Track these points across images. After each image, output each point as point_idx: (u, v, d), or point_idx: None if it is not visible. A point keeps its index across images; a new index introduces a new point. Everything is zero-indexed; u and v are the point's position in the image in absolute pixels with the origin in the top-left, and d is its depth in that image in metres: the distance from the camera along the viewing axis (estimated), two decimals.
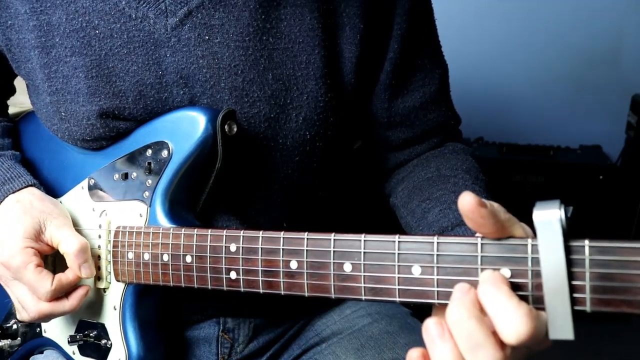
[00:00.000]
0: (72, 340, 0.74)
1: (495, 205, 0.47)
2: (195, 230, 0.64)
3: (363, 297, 0.53)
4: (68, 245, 0.70)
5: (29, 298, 0.70)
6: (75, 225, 0.76)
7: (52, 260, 0.77)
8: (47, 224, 0.72)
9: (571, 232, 0.44)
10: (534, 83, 2.49)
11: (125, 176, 0.73)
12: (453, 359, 0.45)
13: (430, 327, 0.47)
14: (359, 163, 0.90)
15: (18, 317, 0.74)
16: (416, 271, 0.50)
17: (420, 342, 0.48)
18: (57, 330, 0.80)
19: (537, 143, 2.35)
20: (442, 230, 0.69)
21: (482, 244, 0.48)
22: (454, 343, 0.45)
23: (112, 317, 0.73)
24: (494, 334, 0.44)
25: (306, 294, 0.56)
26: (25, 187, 0.75)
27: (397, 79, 0.79)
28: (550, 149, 2.29)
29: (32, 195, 0.75)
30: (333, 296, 0.54)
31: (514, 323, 0.43)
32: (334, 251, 0.54)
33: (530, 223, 0.46)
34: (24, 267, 0.68)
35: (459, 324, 0.45)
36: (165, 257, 0.66)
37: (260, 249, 0.59)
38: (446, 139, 0.86)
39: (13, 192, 0.74)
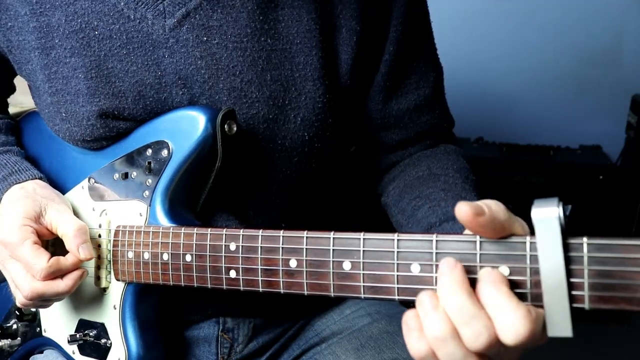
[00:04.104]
0: (72, 339, 0.74)
1: (494, 206, 0.47)
2: (195, 229, 0.64)
3: (362, 296, 0.53)
4: (66, 227, 0.70)
5: (23, 276, 0.69)
6: None
7: (53, 251, 0.77)
8: (48, 208, 0.72)
9: (570, 230, 0.44)
10: (534, 83, 2.49)
11: (125, 176, 0.73)
12: (446, 329, 0.45)
13: (424, 299, 0.47)
14: (357, 164, 0.90)
15: (15, 302, 0.73)
16: (415, 269, 0.50)
17: None
18: (57, 330, 0.80)
19: (537, 143, 2.35)
20: (430, 227, 0.69)
21: (481, 241, 0.48)
22: (447, 314, 0.46)
23: (112, 317, 0.73)
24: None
25: (305, 293, 0.56)
26: (32, 179, 0.76)
27: (392, 81, 0.80)
28: (550, 149, 2.29)
29: (36, 184, 0.75)
30: (332, 295, 0.55)
31: (513, 325, 0.43)
32: (333, 249, 0.54)
33: (530, 224, 0.46)
34: (20, 243, 0.68)
35: (451, 299, 0.45)
36: (165, 257, 0.66)
37: (259, 247, 0.59)
38: (439, 141, 0.86)
39: (19, 183, 0.75)
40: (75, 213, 0.77)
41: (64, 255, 0.70)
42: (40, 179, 0.77)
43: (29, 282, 0.68)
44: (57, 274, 0.69)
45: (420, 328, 0.47)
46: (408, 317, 0.48)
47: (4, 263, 0.71)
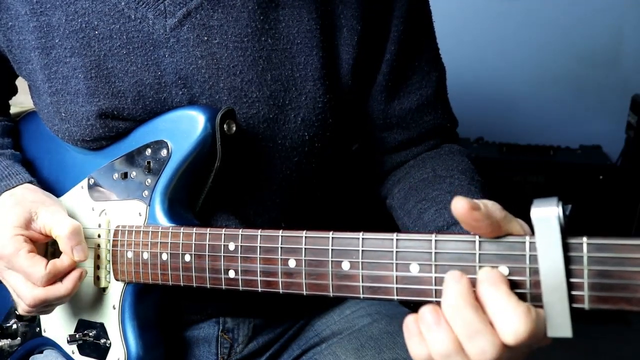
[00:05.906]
0: (71, 339, 0.74)
1: (490, 204, 0.47)
2: (194, 229, 0.64)
3: (361, 296, 0.53)
4: (59, 228, 0.69)
5: (24, 285, 0.69)
6: None
7: (52, 251, 0.77)
8: (39, 212, 0.71)
9: (570, 230, 0.44)
10: (534, 83, 2.49)
11: (125, 175, 0.73)
12: (450, 345, 0.45)
13: (425, 315, 0.47)
14: (357, 164, 0.90)
15: (18, 310, 0.73)
16: (414, 269, 0.50)
17: None
18: (56, 330, 0.80)
19: (537, 143, 2.35)
20: (438, 230, 0.69)
21: (480, 241, 0.48)
22: (451, 330, 0.45)
23: (111, 317, 0.73)
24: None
25: (304, 293, 0.56)
26: (22, 184, 0.76)
27: (394, 80, 0.79)
28: (550, 149, 2.29)
29: (26, 190, 0.75)
30: (331, 295, 0.54)
31: (513, 323, 0.43)
32: (332, 249, 0.54)
33: (530, 224, 0.46)
34: (15, 254, 0.68)
35: (456, 313, 0.45)
36: (164, 256, 0.66)
37: (258, 247, 0.59)
38: (443, 142, 0.86)
39: (9, 189, 0.74)
40: (75, 213, 0.78)
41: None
42: (31, 182, 0.76)
43: (30, 290, 0.69)
44: (56, 277, 0.69)
45: (419, 332, 0.47)
46: (409, 321, 0.48)
47: (3, 274, 0.72)
